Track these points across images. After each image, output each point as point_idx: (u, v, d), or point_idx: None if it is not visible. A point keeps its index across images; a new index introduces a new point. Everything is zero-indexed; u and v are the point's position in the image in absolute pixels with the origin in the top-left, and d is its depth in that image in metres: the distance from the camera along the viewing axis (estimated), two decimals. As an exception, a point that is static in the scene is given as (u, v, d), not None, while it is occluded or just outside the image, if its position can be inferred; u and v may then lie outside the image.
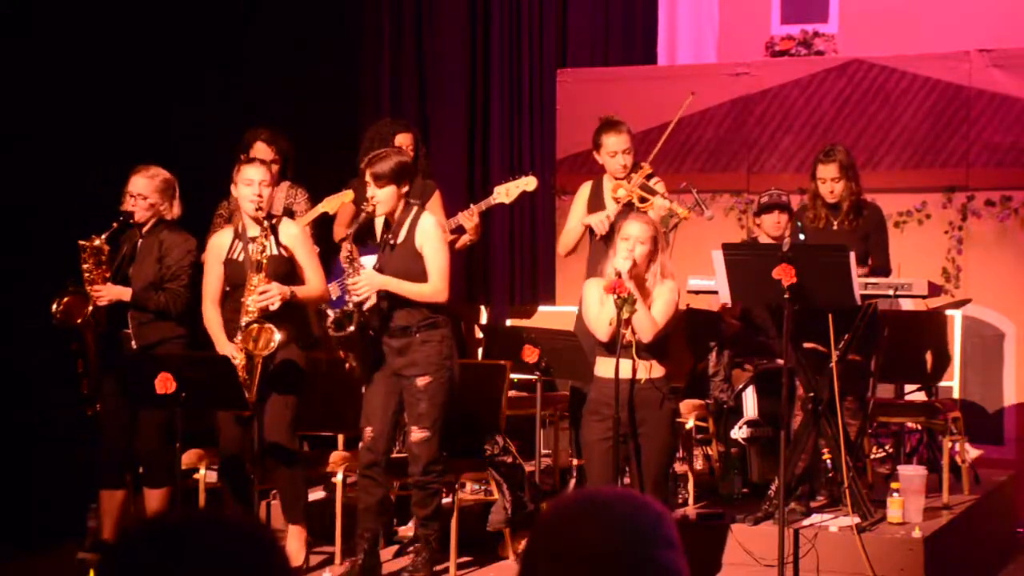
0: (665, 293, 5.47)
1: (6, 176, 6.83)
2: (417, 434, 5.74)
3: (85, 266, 6.09)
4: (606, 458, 5.44)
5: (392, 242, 5.75)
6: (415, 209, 5.79)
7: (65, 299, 6.11)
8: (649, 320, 5.38)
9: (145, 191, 6.16)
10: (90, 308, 6.09)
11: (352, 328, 5.63)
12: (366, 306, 5.70)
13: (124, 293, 6.12)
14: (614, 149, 6.48)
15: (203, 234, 6.95)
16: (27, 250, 6.76)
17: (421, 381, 5.71)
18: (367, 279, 5.65)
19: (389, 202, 5.72)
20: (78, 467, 6.39)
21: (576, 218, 6.65)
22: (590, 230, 6.52)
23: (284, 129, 7.03)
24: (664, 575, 1.78)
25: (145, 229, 6.22)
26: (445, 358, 5.76)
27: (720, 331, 6.81)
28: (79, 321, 6.09)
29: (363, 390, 5.88)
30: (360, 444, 5.90)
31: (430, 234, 5.74)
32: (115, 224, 6.10)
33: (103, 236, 6.09)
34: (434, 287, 5.70)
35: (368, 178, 5.73)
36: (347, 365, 5.84)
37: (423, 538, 5.88)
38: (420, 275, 5.71)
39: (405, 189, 5.76)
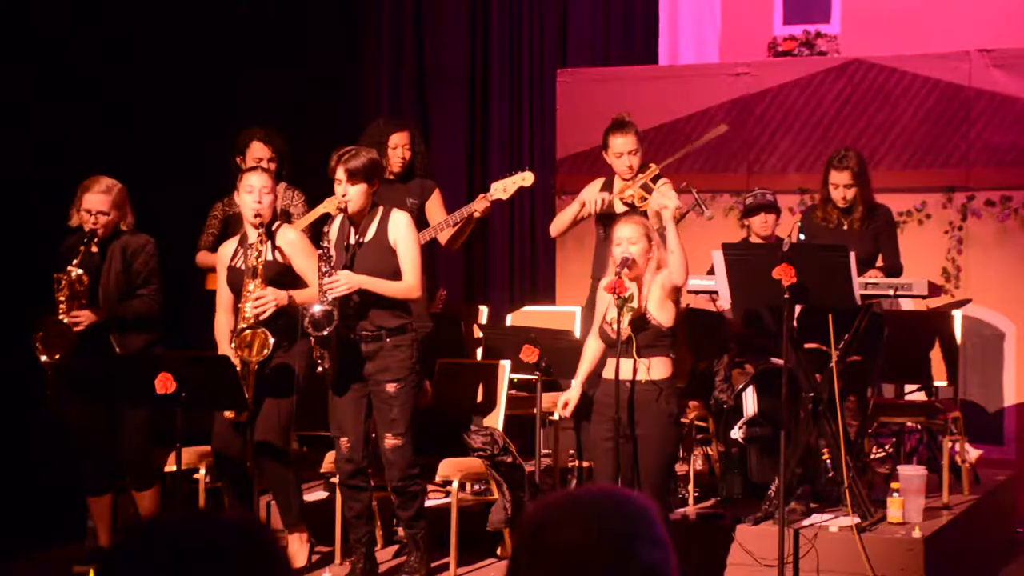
0: (662, 282, 5.47)
1: (4, 173, 6.83)
2: (391, 441, 5.74)
3: (60, 295, 5.94)
4: (610, 458, 5.45)
5: (359, 240, 5.73)
6: (381, 208, 5.78)
7: (42, 335, 5.92)
8: (679, 261, 5.40)
9: (104, 207, 6.05)
10: (74, 340, 5.91)
11: (330, 329, 5.62)
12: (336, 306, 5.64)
13: (101, 315, 6.00)
14: (620, 150, 6.50)
15: (198, 235, 6.96)
16: (25, 248, 6.75)
17: (391, 387, 5.71)
18: (345, 278, 5.63)
19: (359, 199, 5.68)
20: (72, 470, 6.37)
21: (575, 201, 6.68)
22: (596, 222, 6.54)
23: (283, 129, 7.03)
24: (648, 572, 1.75)
25: (104, 241, 6.10)
26: (415, 362, 5.77)
27: (723, 331, 6.81)
28: (59, 355, 5.90)
29: (330, 395, 5.83)
30: (336, 455, 5.88)
31: (404, 230, 5.73)
32: (81, 248, 5.97)
33: (75, 262, 5.95)
34: (408, 284, 5.69)
35: (340, 174, 5.66)
36: (319, 368, 5.77)
37: (411, 538, 5.90)
38: (392, 271, 5.69)
39: (375, 188, 5.74)
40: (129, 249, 6.13)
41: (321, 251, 5.69)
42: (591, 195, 6.55)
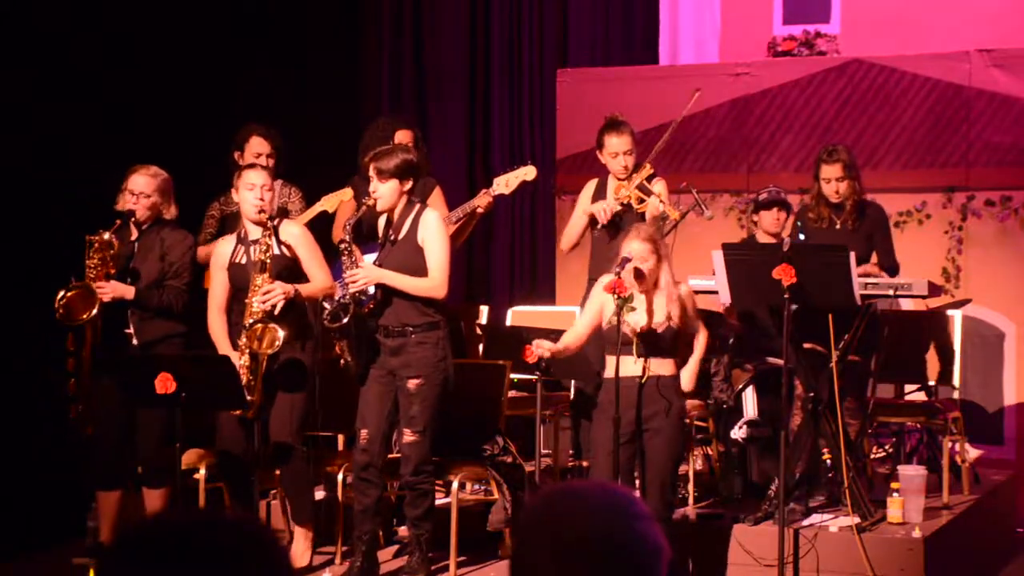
0: (692, 300, 5.69)
1: (4, 173, 6.83)
2: (408, 436, 5.76)
3: (90, 262, 6.01)
4: (613, 458, 5.46)
5: (393, 238, 5.77)
6: (417, 206, 5.81)
7: (68, 295, 6.00)
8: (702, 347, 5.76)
9: (147, 189, 6.14)
10: (97, 307, 5.96)
11: (346, 320, 5.64)
12: (365, 305, 5.71)
13: (127, 291, 6.07)
14: (615, 150, 6.50)
15: (195, 234, 6.95)
16: (23, 248, 6.75)
17: (413, 383, 5.72)
18: (365, 271, 5.68)
19: (390, 197, 5.73)
20: (78, 467, 6.37)
21: (579, 212, 6.69)
22: (592, 223, 6.54)
23: (283, 129, 7.02)
24: (645, 544, 1.84)
25: (144, 227, 6.20)
26: (440, 360, 5.77)
27: (722, 332, 6.82)
28: (84, 317, 5.98)
29: (360, 389, 5.88)
30: (355, 446, 5.90)
31: (433, 229, 5.75)
32: (118, 221, 6.05)
33: (110, 231, 6.03)
34: (433, 281, 5.70)
35: (371, 172, 5.74)
36: (341, 362, 5.82)
37: (415, 539, 5.89)
38: (421, 271, 5.72)
39: (408, 186, 5.77)
40: (167, 241, 6.18)
41: (343, 245, 5.73)
42: (596, 207, 6.53)
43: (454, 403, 5.93)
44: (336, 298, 5.79)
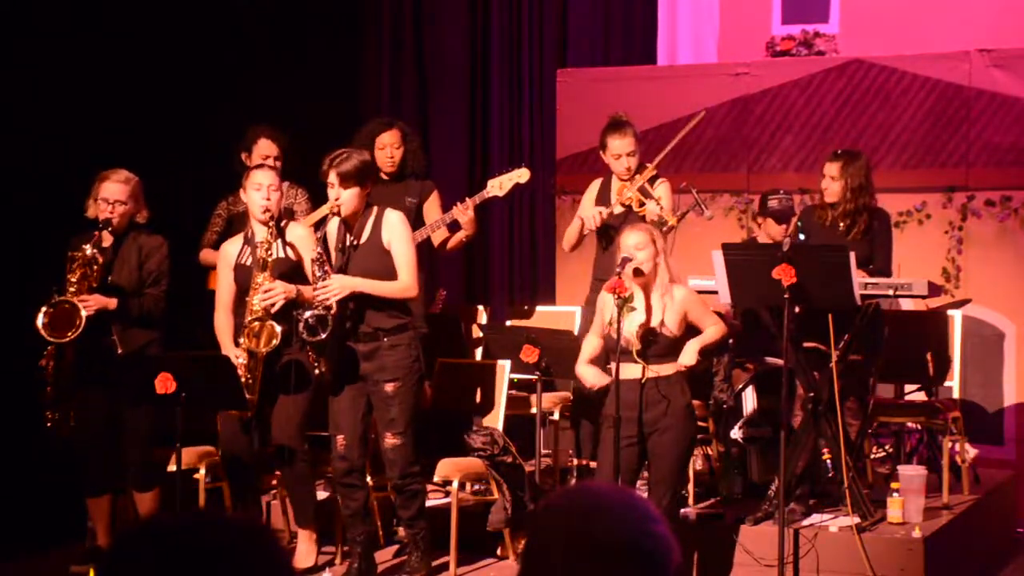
0: (694, 302, 5.58)
1: (4, 174, 6.83)
2: (391, 440, 5.74)
3: (72, 276, 5.96)
4: (621, 458, 5.46)
5: (355, 242, 5.72)
6: (375, 208, 5.77)
7: (51, 311, 5.92)
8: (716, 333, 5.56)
9: (122, 196, 6.08)
10: (83, 321, 5.91)
11: (325, 335, 5.60)
12: (332, 310, 5.63)
13: (110, 303, 6.02)
14: (618, 152, 6.51)
15: (198, 234, 6.95)
16: (23, 247, 6.75)
17: (390, 387, 5.70)
18: (338, 281, 5.62)
19: (353, 202, 5.67)
20: (72, 470, 6.36)
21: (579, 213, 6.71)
22: (596, 233, 6.55)
23: (283, 129, 7.02)
24: (659, 546, 1.86)
25: (119, 235, 6.12)
26: (413, 360, 5.76)
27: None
28: (70, 335, 5.90)
29: (330, 397, 5.83)
30: (332, 453, 5.87)
31: (397, 229, 5.72)
32: (97, 233, 5.98)
33: (89, 245, 5.97)
34: (404, 283, 5.68)
35: (332, 179, 5.65)
36: (316, 371, 5.79)
37: (411, 538, 5.90)
38: (389, 272, 5.68)
39: (367, 190, 5.73)
40: (144, 248, 6.16)
41: (315, 255, 5.67)
42: (587, 212, 6.57)
43: (453, 403, 5.93)
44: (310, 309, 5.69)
